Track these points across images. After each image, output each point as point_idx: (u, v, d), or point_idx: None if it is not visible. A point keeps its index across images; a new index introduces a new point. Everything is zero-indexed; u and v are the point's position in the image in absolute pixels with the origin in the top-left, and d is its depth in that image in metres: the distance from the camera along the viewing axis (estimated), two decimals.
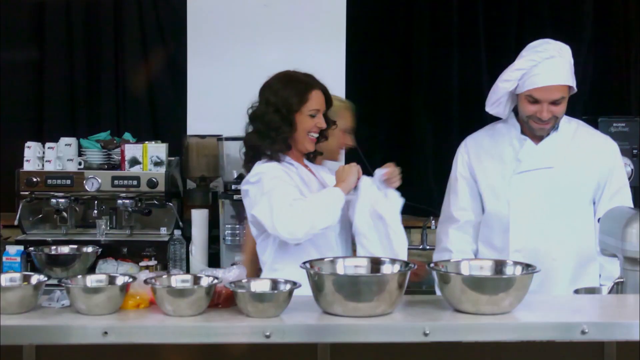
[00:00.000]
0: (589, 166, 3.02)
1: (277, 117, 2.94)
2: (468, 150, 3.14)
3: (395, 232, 2.87)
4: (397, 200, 2.93)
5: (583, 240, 3.00)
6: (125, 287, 2.14)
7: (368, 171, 4.95)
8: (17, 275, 2.24)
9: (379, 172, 2.95)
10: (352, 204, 2.91)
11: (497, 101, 3.06)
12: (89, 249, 2.51)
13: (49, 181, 4.01)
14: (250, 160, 3.02)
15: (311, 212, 2.77)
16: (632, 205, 3.06)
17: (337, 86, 4.21)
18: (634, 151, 4.12)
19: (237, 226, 3.75)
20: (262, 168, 2.94)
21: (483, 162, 3.10)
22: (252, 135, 3.00)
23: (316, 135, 3.02)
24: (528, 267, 2.22)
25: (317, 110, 2.98)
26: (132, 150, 4.06)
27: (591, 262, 3.01)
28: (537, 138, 3.04)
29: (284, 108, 2.94)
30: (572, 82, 2.96)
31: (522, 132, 3.06)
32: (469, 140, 3.18)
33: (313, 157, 3.15)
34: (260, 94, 3.02)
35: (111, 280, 2.20)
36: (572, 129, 3.07)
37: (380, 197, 2.91)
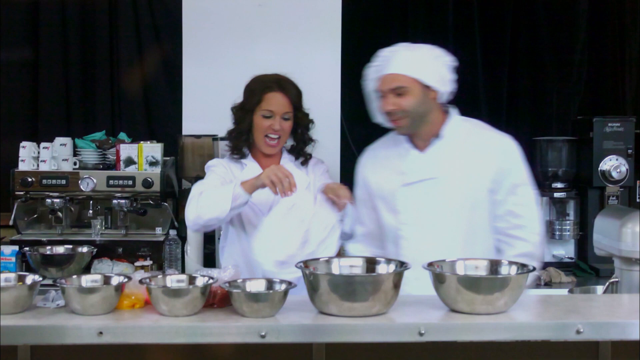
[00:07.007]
0: (479, 170, 2.83)
1: (240, 113, 3.07)
2: (364, 163, 3.05)
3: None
4: (324, 220, 2.83)
5: (477, 244, 2.84)
6: (120, 287, 2.14)
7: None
8: (12, 275, 2.24)
9: (321, 186, 2.91)
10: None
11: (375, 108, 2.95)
12: (84, 249, 2.51)
13: (44, 181, 4.00)
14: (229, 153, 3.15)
15: (202, 203, 2.85)
16: (533, 205, 2.87)
17: (333, 86, 4.21)
18: (628, 151, 4.11)
19: None
20: (212, 162, 3.12)
21: (377, 174, 2.98)
22: (230, 129, 3.14)
23: (275, 137, 3.03)
24: (523, 267, 2.23)
25: (270, 111, 3.02)
26: (127, 150, 4.05)
27: None
28: (423, 146, 2.89)
29: (245, 106, 3.06)
30: (418, 74, 2.78)
31: (412, 142, 2.91)
32: (366, 152, 3.09)
33: (304, 161, 3.16)
34: None
35: (106, 280, 2.20)
36: (464, 132, 2.89)
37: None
